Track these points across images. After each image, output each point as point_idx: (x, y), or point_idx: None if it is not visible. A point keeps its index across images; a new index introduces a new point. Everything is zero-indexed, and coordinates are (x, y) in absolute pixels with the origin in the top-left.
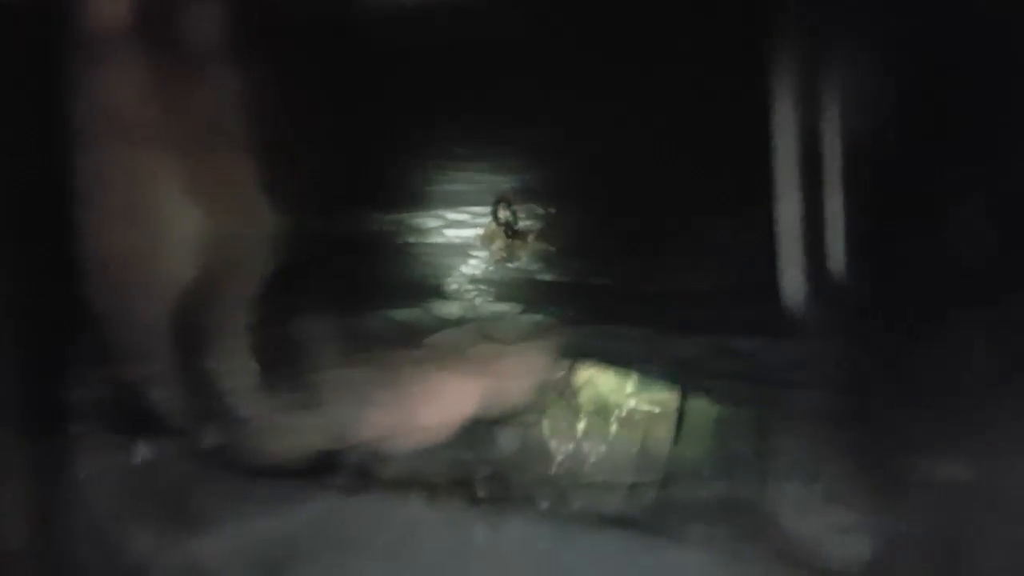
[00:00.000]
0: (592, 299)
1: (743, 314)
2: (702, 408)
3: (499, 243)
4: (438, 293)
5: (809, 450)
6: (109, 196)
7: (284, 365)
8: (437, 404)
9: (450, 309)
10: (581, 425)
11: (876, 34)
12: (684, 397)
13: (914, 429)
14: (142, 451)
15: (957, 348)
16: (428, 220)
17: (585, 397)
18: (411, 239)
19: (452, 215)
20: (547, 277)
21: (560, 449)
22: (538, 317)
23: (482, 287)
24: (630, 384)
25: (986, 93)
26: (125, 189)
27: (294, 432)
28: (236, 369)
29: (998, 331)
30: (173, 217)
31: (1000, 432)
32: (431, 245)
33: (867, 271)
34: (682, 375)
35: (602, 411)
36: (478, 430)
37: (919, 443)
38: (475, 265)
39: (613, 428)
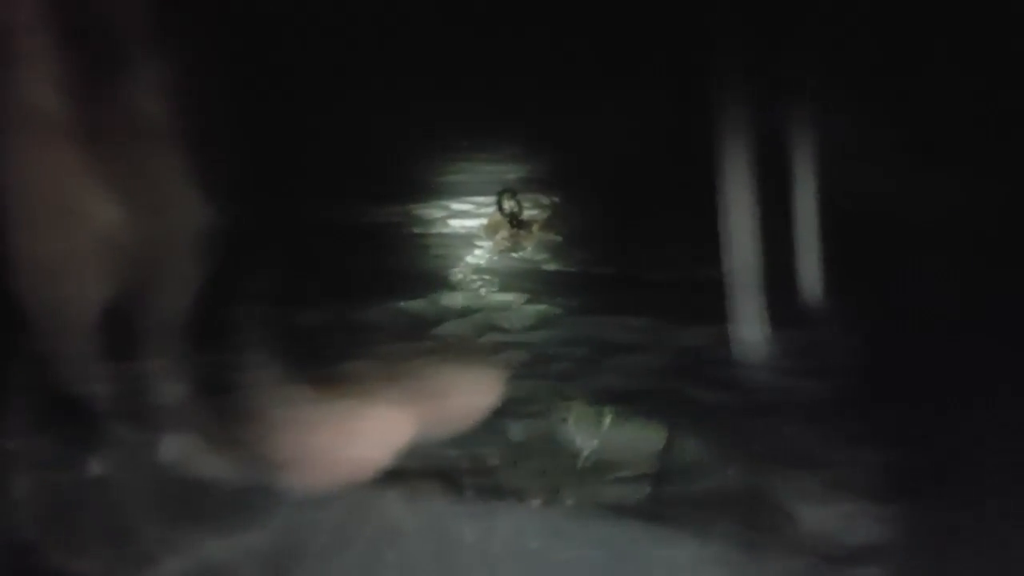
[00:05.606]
0: (597, 288)
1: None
2: (701, 397)
3: (504, 233)
4: (444, 283)
5: (814, 437)
6: (34, 195)
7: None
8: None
9: (455, 299)
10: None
11: None
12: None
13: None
14: (88, 464)
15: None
16: (433, 210)
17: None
18: (416, 229)
19: (456, 205)
20: (552, 267)
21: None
22: (543, 306)
23: (487, 277)
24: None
25: None
26: (50, 187)
27: (242, 442)
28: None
29: None
30: (105, 215)
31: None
32: (436, 235)
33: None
34: (684, 363)
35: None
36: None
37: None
38: (480, 255)
39: (607, 420)
